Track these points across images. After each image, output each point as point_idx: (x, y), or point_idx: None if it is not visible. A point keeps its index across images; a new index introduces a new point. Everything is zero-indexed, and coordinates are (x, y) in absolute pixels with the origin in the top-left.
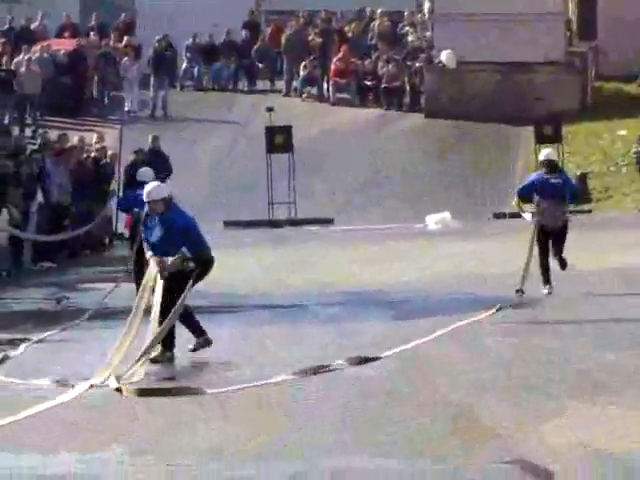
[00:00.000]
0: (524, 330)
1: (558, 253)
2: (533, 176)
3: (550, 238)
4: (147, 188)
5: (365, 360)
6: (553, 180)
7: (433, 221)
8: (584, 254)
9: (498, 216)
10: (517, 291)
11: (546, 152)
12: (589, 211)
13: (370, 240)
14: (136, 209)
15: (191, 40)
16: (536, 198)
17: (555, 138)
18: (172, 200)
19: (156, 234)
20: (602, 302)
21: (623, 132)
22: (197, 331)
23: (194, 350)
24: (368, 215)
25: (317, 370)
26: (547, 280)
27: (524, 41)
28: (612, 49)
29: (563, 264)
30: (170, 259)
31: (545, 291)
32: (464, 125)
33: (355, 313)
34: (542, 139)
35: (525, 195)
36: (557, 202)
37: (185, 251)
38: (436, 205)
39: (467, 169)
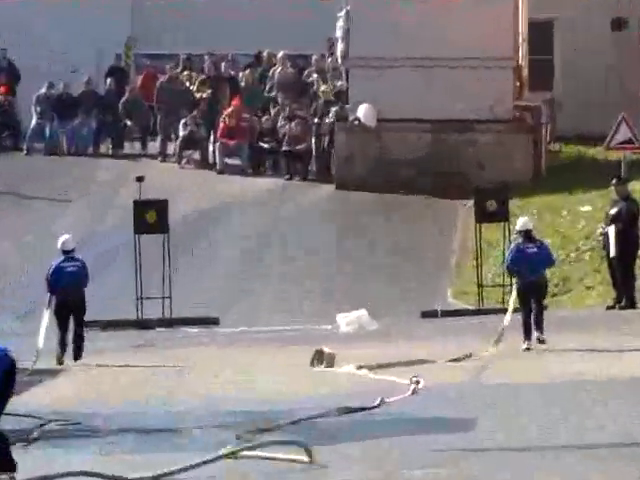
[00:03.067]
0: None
1: (539, 314)
2: (513, 248)
3: (531, 297)
4: None
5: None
6: (530, 250)
7: (345, 321)
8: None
9: (428, 314)
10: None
11: (523, 221)
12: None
13: (265, 345)
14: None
15: (43, 90)
16: (515, 268)
17: (501, 216)
18: None
19: None
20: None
21: (586, 208)
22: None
23: None
24: (264, 313)
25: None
26: (528, 336)
27: (461, 93)
28: (571, 102)
29: (541, 338)
30: None
31: (524, 346)
32: (386, 198)
33: (245, 440)
34: (484, 217)
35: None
36: (536, 270)
37: None
38: (350, 300)
39: (390, 254)
